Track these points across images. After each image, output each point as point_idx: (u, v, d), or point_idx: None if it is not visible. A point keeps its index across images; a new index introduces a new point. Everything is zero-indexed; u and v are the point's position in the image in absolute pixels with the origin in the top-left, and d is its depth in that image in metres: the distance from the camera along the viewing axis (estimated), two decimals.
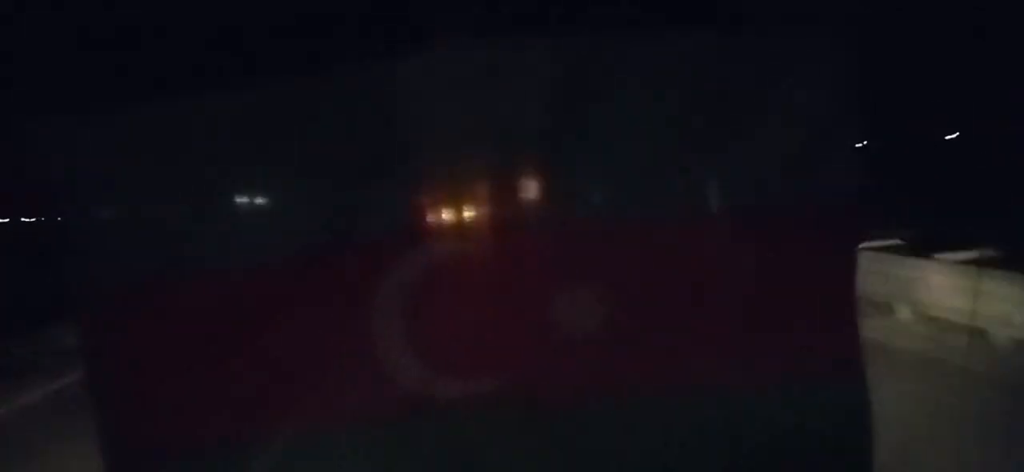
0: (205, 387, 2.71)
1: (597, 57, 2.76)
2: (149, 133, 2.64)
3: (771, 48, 2.75)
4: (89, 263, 2.64)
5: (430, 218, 2.82)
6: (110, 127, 2.63)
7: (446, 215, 2.82)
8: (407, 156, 2.74)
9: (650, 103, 2.71)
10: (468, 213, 2.81)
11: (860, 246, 2.80)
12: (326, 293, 2.75)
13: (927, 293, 11.59)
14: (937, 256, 12.17)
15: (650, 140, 2.72)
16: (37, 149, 2.64)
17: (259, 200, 2.81)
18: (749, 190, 2.72)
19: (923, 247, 12.93)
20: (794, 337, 2.74)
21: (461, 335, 2.79)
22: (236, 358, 2.72)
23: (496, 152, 2.73)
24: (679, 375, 2.77)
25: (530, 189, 2.78)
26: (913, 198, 14.42)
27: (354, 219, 2.77)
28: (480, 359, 2.79)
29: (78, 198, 2.62)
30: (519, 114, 2.72)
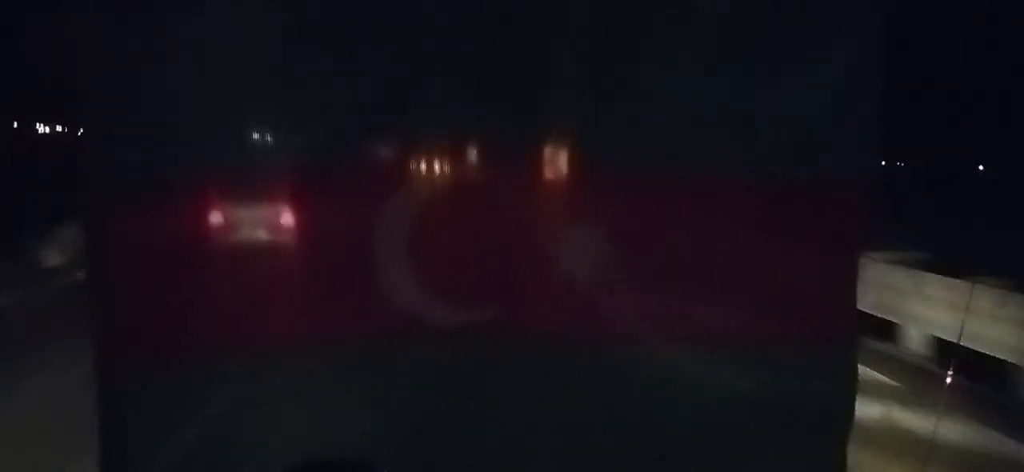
0: (198, 299, 2.64)
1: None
2: (167, 39, 2.51)
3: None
4: (101, 167, 2.53)
5: (442, 145, 2.76)
6: (134, 32, 2.48)
7: (459, 145, 2.76)
8: (421, 82, 2.65)
9: (673, 54, 2.66)
10: (481, 145, 2.75)
11: (867, 222, 2.77)
12: (328, 213, 2.68)
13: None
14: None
15: (671, 93, 2.68)
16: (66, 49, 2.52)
17: (269, 116, 2.73)
18: (760, 151, 2.70)
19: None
20: (792, 306, 2.77)
21: (461, 266, 2.76)
22: (233, 272, 2.67)
23: (515, 88, 2.67)
24: (674, 331, 2.78)
25: (545, 129, 2.73)
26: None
27: (362, 140, 2.70)
28: (479, 290, 2.77)
29: (99, 102, 2.50)
30: (540, 52, 2.66)
